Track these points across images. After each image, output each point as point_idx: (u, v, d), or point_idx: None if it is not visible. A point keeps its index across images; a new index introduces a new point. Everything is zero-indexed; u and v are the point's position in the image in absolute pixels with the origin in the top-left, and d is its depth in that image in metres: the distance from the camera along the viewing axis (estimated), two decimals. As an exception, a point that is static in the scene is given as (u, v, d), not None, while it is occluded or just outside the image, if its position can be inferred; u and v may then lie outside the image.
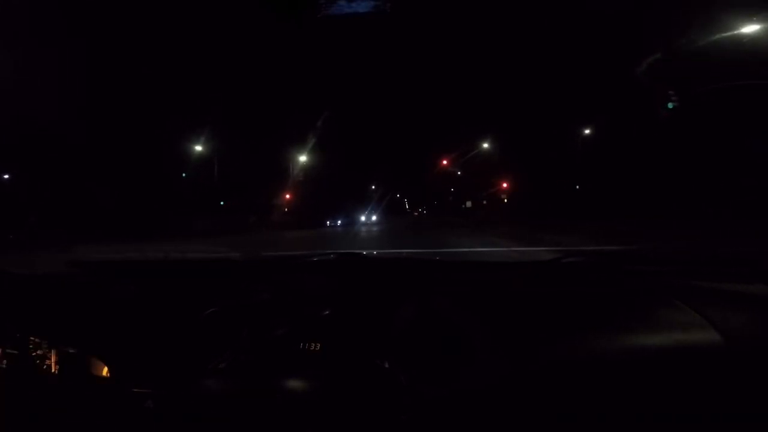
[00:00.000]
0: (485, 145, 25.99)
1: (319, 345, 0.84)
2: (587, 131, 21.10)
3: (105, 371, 0.85)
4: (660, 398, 0.68)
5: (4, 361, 0.96)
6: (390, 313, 0.88)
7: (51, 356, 0.92)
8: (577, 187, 22.85)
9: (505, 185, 26.02)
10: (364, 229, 20.27)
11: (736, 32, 9.22)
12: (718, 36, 9.63)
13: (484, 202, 30.94)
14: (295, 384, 0.78)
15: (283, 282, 1.15)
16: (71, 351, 0.90)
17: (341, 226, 26.04)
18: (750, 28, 9.00)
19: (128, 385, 0.80)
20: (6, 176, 19.42)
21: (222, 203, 22.82)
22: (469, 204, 33.61)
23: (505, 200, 26.85)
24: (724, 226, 9.61)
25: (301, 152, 23.62)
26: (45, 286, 1.27)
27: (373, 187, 43.53)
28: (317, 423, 0.72)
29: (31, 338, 0.95)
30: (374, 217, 33.79)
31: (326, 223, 28.58)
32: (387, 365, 0.77)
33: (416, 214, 60.38)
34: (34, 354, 0.94)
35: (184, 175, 20.12)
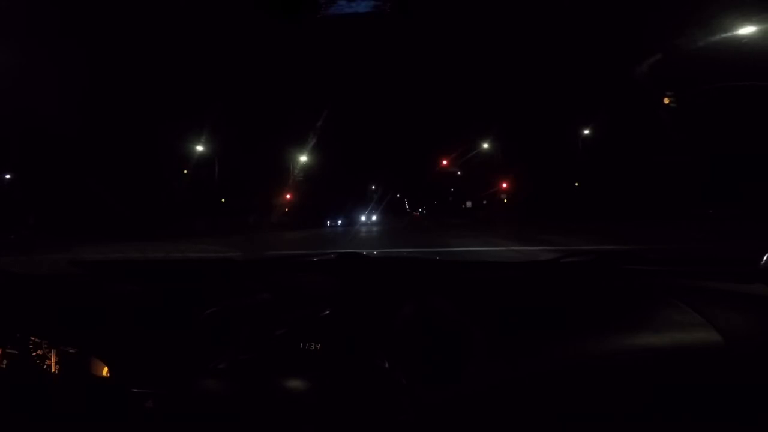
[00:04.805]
0: (485, 146, 25.96)
1: (319, 345, 0.84)
2: (587, 131, 21.09)
3: (105, 371, 0.85)
4: (660, 398, 0.68)
5: (4, 361, 0.96)
6: (390, 313, 0.88)
7: (51, 356, 0.92)
8: (577, 184, 22.83)
9: (505, 185, 25.99)
10: (364, 229, 20.27)
11: (735, 33, 9.22)
12: (718, 36, 9.63)
13: (485, 202, 30.94)
14: (295, 384, 0.78)
15: (284, 282, 1.15)
16: (71, 351, 0.90)
17: (341, 226, 26.04)
18: (747, 30, 9.01)
19: (128, 385, 0.80)
20: (8, 176, 19.42)
21: (222, 201, 22.84)
22: (469, 204, 33.62)
23: (505, 200, 26.84)
24: (724, 227, 9.61)
25: (301, 152, 23.63)
26: (45, 286, 1.27)
27: (373, 187, 43.67)
28: (317, 423, 0.72)
29: (31, 338, 0.95)
30: (374, 217, 33.83)
31: (326, 223, 28.60)
32: (387, 365, 0.77)
33: (416, 214, 60.41)
34: (34, 354, 0.94)
35: (185, 171, 20.09)
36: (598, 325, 0.78)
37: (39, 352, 0.94)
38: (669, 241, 7.41)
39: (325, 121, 22.13)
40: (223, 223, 17.81)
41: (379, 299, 0.96)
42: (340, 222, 30.59)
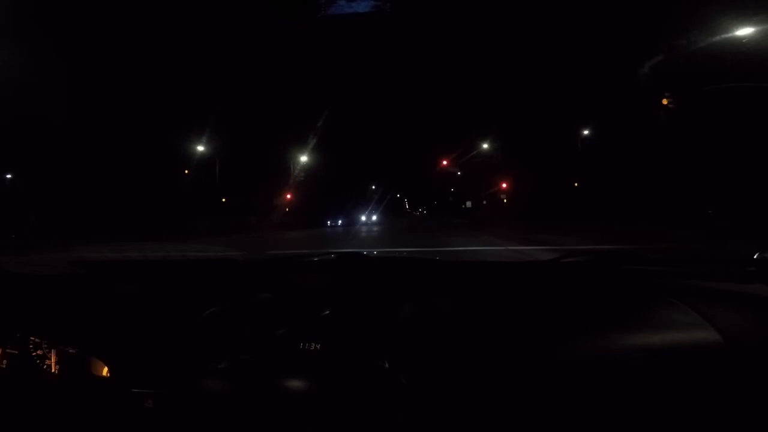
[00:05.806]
0: (485, 146, 25.99)
1: (319, 345, 0.84)
2: (587, 132, 21.12)
3: (105, 371, 0.85)
4: (660, 398, 0.68)
5: (4, 361, 0.96)
6: (390, 313, 0.88)
7: (51, 356, 0.92)
8: (576, 184, 22.85)
9: (504, 185, 26.00)
10: (364, 229, 20.27)
11: (734, 34, 9.23)
12: (717, 37, 9.63)
13: (484, 202, 30.94)
14: (295, 384, 0.78)
15: (283, 282, 1.15)
16: (71, 351, 0.90)
17: (341, 226, 26.05)
18: (747, 30, 9.01)
19: (128, 385, 0.80)
20: (9, 176, 19.43)
21: (223, 201, 22.87)
22: (469, 204, 33.61)
23: (505, 200, 26.85)
24: (723, 227, 9.61)
25: (301, 152, 23.67)
26: (45, 286, 1.27)
27: (374, 187, 43.77)
28: (317, 423, 0.72)
29: (31, 338, 0.95)
30: (374, 217, 33.89)
31: (326, 223, 28.62)
32: (387, 365, 0.77)
33: (416, 214, 60.48)
34: (34, 354, 0.94)
35: (186, 171, 20.10)
36: (598, 325, 0.78)
37: (39, 352, 0.94)
38: (669, 241, 7.41)
39: (325, 121, 22.18)
40: (224, 223, 17.81)
41: (379, 299, 0.96)
42: (340, 222, 30.62)
